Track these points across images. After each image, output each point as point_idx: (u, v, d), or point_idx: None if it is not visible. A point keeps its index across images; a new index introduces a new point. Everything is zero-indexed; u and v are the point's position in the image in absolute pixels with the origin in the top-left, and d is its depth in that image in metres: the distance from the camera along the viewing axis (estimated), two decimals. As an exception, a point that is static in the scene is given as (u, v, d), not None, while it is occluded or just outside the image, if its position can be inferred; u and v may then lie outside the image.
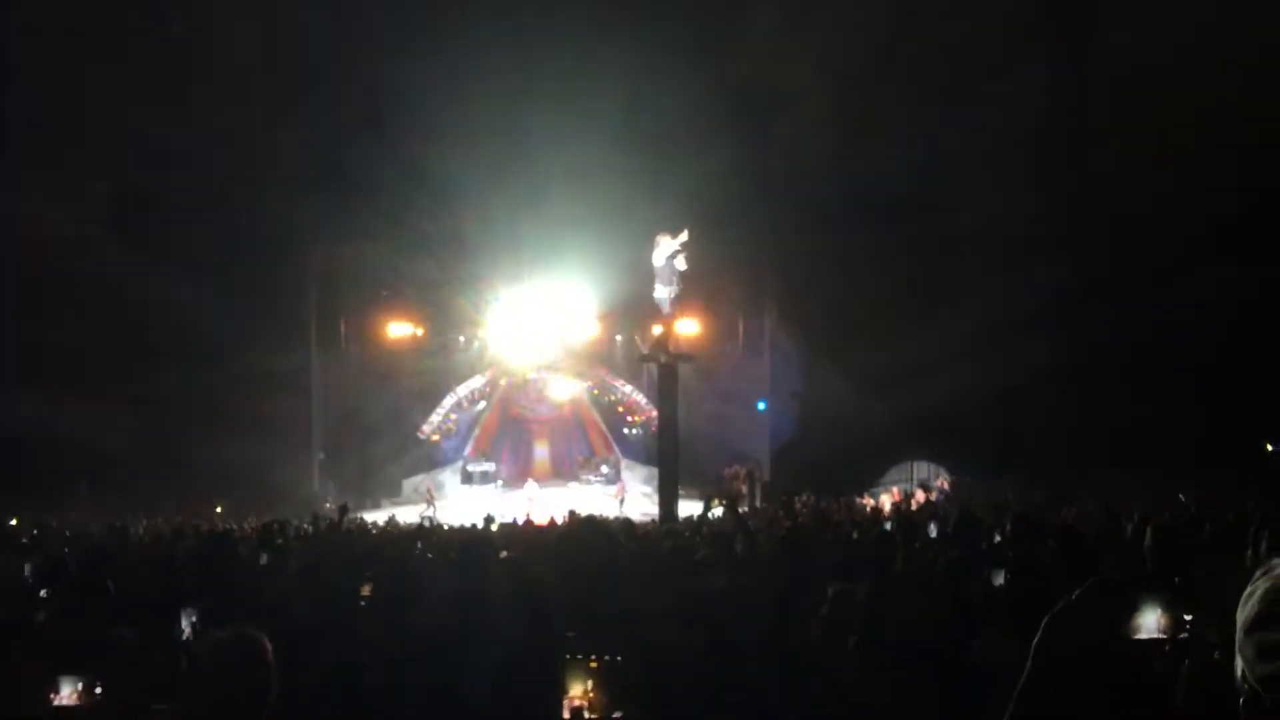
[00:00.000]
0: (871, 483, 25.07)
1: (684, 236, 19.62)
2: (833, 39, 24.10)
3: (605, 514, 20.52)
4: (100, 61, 21.53)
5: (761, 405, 27.89)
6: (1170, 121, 22.00)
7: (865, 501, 22.42)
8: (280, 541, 8.50)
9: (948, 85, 23.18)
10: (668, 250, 19.42)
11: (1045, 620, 1.79)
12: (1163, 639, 2.54)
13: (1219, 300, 21.73)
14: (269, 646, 3.44)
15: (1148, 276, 23.00)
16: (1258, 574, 1.53)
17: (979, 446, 23.83)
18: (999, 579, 5.12)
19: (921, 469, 25.78)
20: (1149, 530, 6.02)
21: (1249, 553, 4.55)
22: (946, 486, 23.77)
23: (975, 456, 23.93)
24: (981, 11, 23.81)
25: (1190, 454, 19.00)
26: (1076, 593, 1.81)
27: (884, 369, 23.42)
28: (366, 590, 5.69)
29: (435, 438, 30.17)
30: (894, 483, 25.19)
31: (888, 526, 8.82)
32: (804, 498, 22.41)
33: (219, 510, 21.95)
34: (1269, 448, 19.99)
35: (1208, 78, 21.06)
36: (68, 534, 13.89)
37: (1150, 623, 2.47)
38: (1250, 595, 1.52)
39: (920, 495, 22.99)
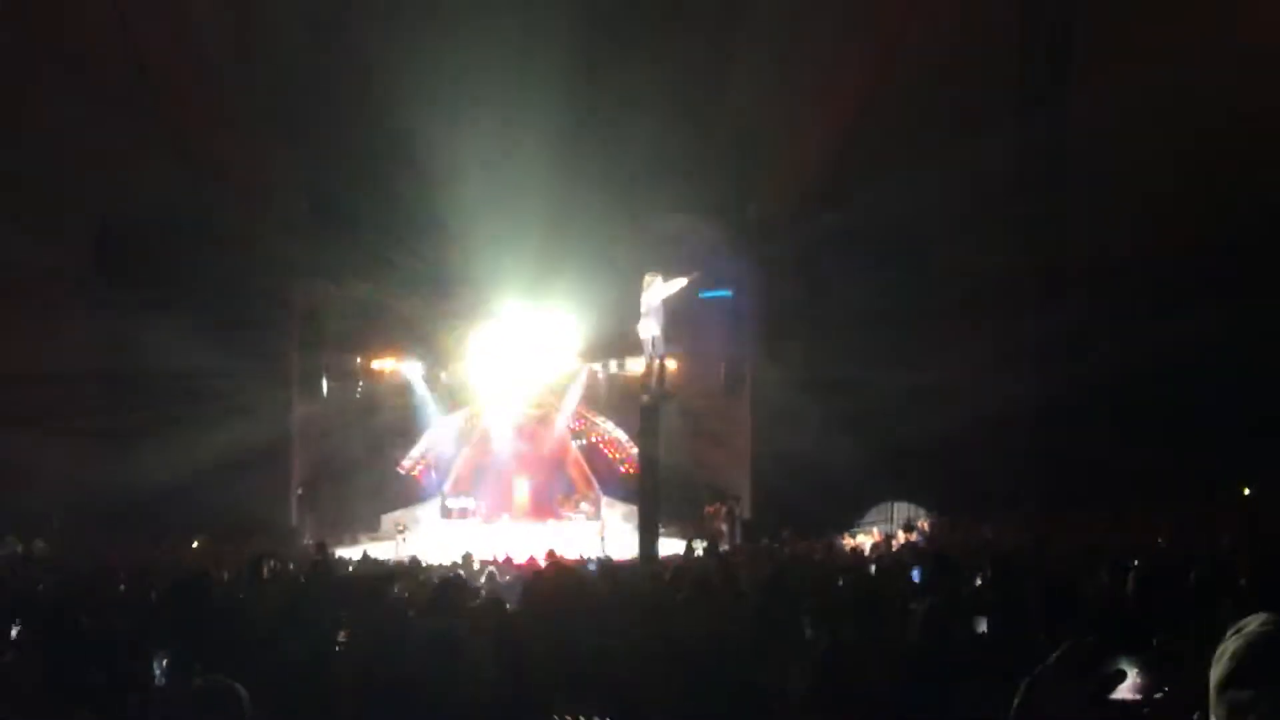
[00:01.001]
0: (852, 523, 25.05)
1: (683, 282, 19.72)
2: (813, 75, 24.39)
3: (585, 553, 20.44)
4: (77, 94, 21.54)
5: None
6: (1147, 168, 22.32)
7: (846, 542, 22.39)
8: (267, 577, 8.41)
9: (929, 126, 23.41)
10: (663, 292, 19.51)
11: (1024, 684, 1.78)
12: (1139, 700, 2.54)
13: (1200, 342, 21.93)
14: (245, 696, 3.40)
15: (1129, 318, 23.23)
16: (1229, 633, 1.55)
17: (958, 487, 23.88)
18: (981, 626, 5.11)
19: (902, 509, 25.78)
20: (1130, 578, 6.03)
21: (1227, 605, 4.55)
22: (926, 528, 23.76)
23: (955, 497, 23.96)
24: (964, 51, 24.13)
25: (1169, 495, 19.10)
26: (1054, 655, 1.81)
27: (866, 408, 23.49)
28: (343, 636, 5.62)
29: (415, 473, 30.04)
30: (874, 523, 25.18)
31: (872, 569, 8.80)
32: (784, 536, 22.41)
33: (195, 545, 21.72)
34: (1246, 491, 20.10)
35: (1183, 128, 21.41)
36: (39, 569, 13.71)
37: (1128, 684, 2.47)
38: (1222, 654, 1.53)
39: (902, 536, 22.98)
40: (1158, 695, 2.58)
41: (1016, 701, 1.78)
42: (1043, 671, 1.79)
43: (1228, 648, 1.52)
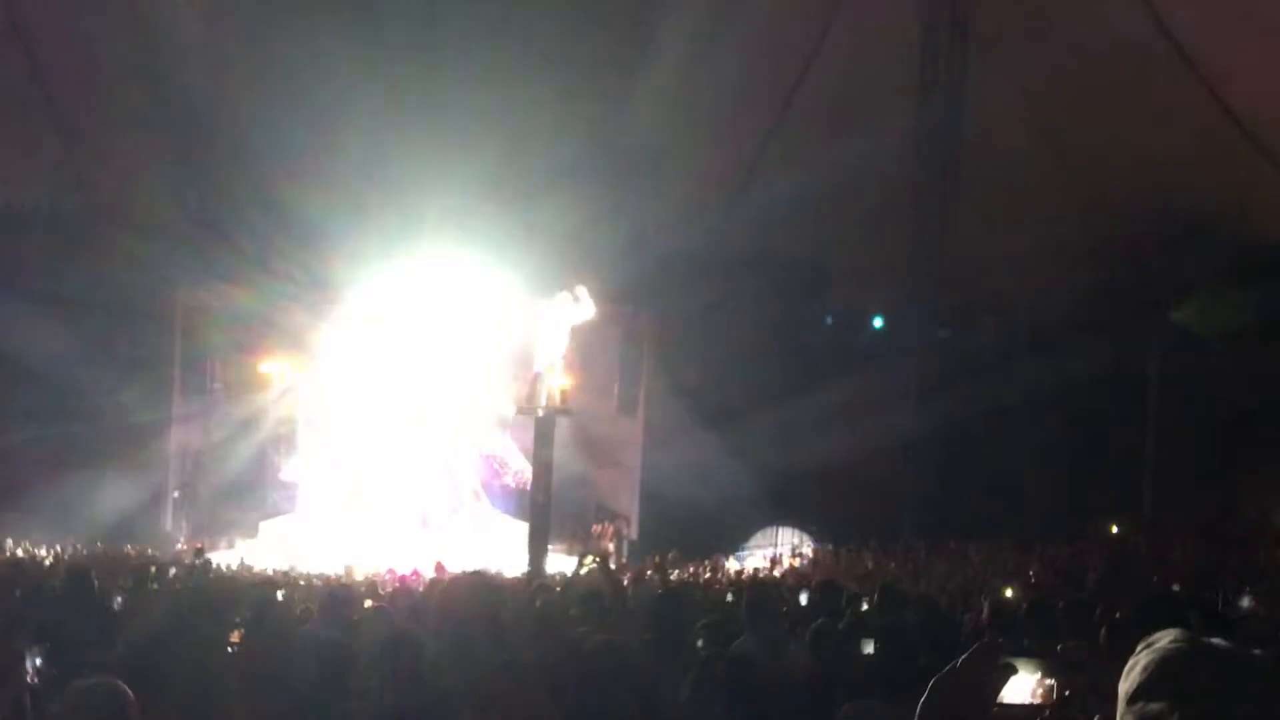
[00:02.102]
0: (736, 546, 25.32)
1: (591, 309, 19.68)
2: (717, 92, 24.76)
3: (472, 565, 20.21)
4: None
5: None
6: (1038, 198, 23.27)
7: (731, 565, 22.63)
8: (155, 586, 8.15)
9: (825, 141, 23.86)
10: (566, 310, 19.51)
11: (932, 682, 1.86)
12: (1041, 705, 2.66)
13: (1070, 380, 22.86)
14: (133, 698, 3.30)
15: (1015, 353, 24.13)
16: (1140, 647, 1.63)
17: (840, 516, 24.37)
18: (868, 648, 5.24)
19: (785, 535, 26.18)
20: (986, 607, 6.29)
21: (1102, 631, 4.76)
22: (810, 554, 24.18)
23: (836, 526, 24.44)
24: (861, 69, 24.80)
25: (1038, 530, 19.79)
26: (963, 656, 1.89)
27: (755, 434, 23.83)
28: (236, 637, 5.48)
29: (296, 480, 29.37)
30: (758, 547, 25.50)
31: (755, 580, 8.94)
32: (671, 557, 22.55)
33: (58, 549, 20.86)
34: (1114, 529, 20.98)
35: (1080, 153, 22.44)
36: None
37: (1027, 688, 2.60)
38: (1133, 667, 1.61)
39: (786, 561, 23.35)
40: (1058, 698, 2.70)
41: (922, 700, 1.85)
42: (951, 669, 1.87)
43: (1139, 660, 1.59)
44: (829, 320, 27.18)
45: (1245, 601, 8.17)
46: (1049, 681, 2.62)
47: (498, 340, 26.19)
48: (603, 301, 24.87)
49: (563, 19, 24.63)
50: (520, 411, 21.36)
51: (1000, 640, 1.92)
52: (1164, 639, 1.60)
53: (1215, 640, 1.60)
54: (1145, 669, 1.57)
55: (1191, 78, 22.27)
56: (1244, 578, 10.78)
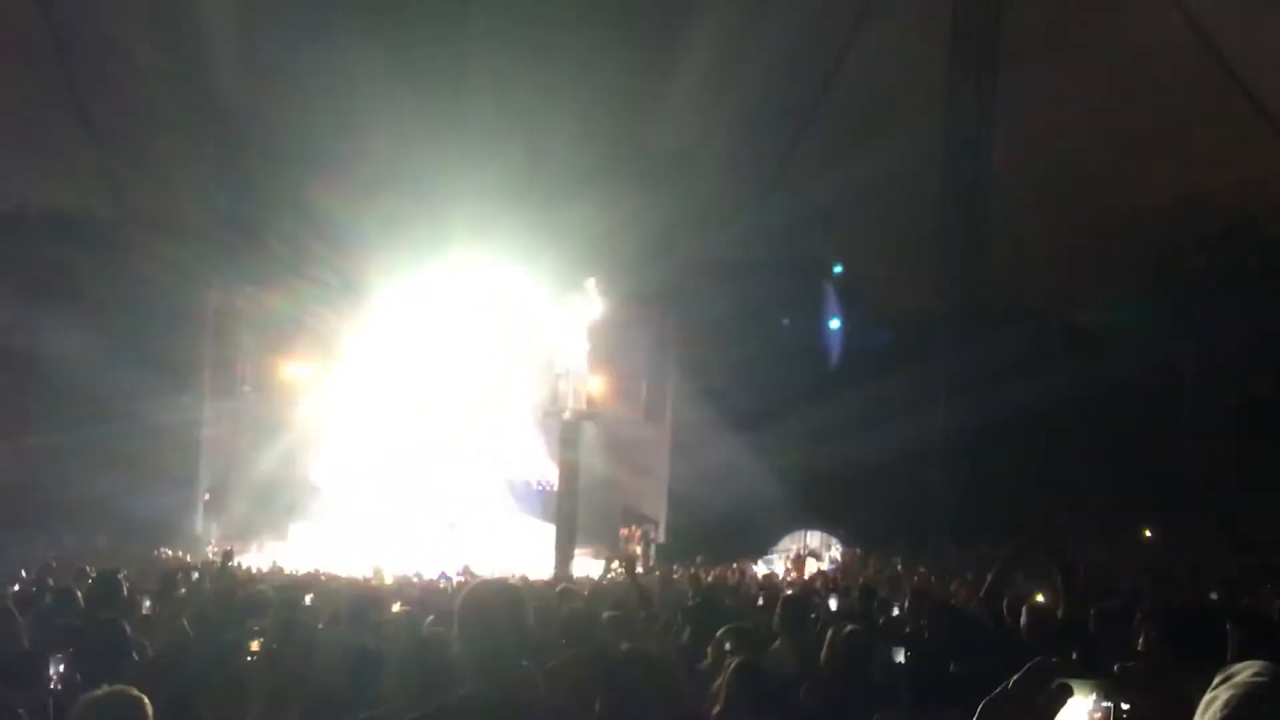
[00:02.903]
0: (764, 550, 25.20)
1: (600, 306, 19.59)
2: (746, 94, 24.69)
3: (498, 569, 20.21)
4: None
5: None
6: (1072, 199, 23.06)
7: (758, 569, 22.50)
8: (183, 591, 8.14)
9: (855, 143, 23.75)
10: (577, 308, 19.42)
11: (982, 705, 1.78)
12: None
13: (1106, 384, 22.61)
14: (149, 707, 3.25)
15: (1047, 356, 23.91)
16: (1218, 679, 1.56)
17: (868, 518, 24.23)
18: (899, 656, 5.16)
19: (813, 538, 26.03)
20: (1025, 612, 6.18)
21: (1139, 641, 4.66)
22: (838, 556, 24.02)
23: (864, 528, 24.29)
24: (892, 72, 24.68)
25: (1071, 534, 19.55)
26: (1015, 676, 1.81)
27: (783, 437, 23.72)
28: (256, 645, 5.45)
29: (325, 483, 29.48)
30: (786, 551, 25.37)
31: (790, 594, 8.83)
32: (699, 561, 22.46)
33: (98, 547, 21.05)
34: (1147, 533, 20.70)
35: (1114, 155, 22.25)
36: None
37: (1084, 711, 2.44)
38: (1213, 700, 1.54)
39: (811, 564, 23.22)
40: None
41: (975, 721, 1.78)
42: (1000, 692, 1.79)
43: (1219, 695, 1.53)
44: (856, 323, 26.99)
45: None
46: (1106, 704, 2.46)
47: (524, 343, 26.20)
48: (629, 304, 24.83)
49: (589, 25, 24.61)
50: (545, 414, 21.30)
51: (1054, 659, 1.82)
52: (1244, 672, 1.53)
53: None
54: (1227, 704, 1.50)
55: (1224, 74, 22.00)
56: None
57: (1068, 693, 1.95)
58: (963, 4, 24.32)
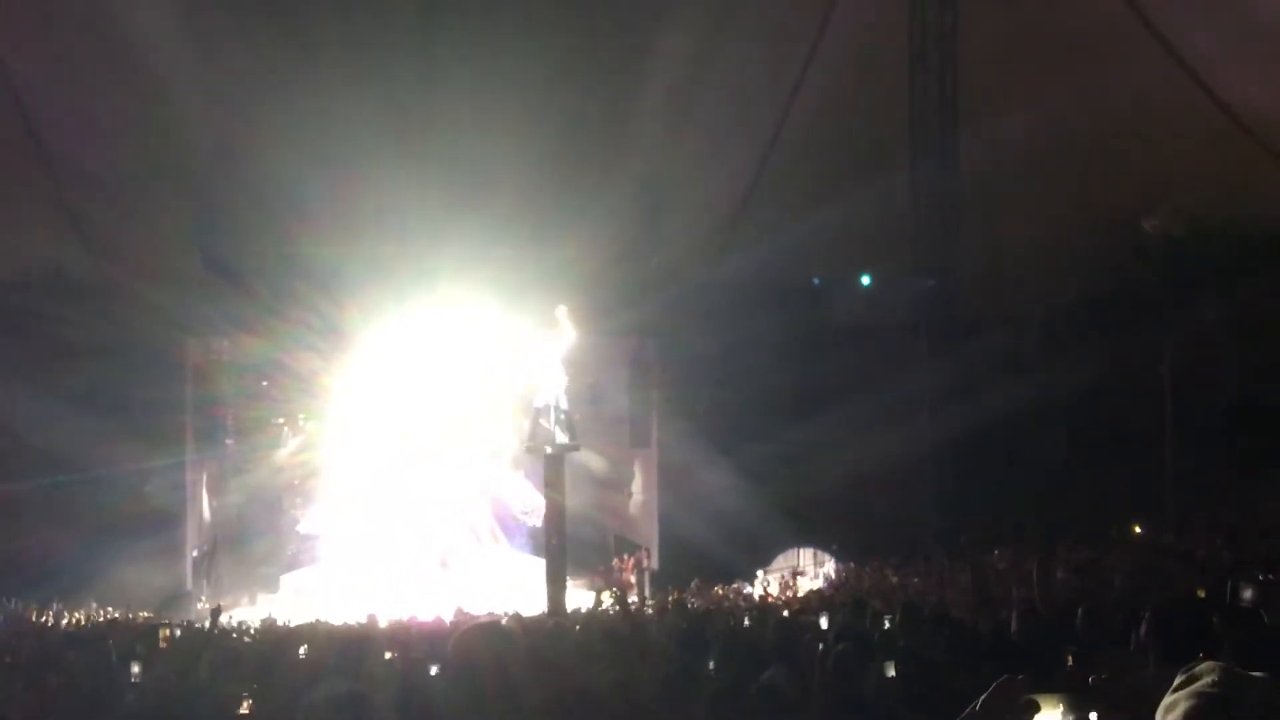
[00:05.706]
0: (758, 570, 25.20)
1: (564, 321, 19.42)
2: (710, 116, 24.81)
3: (493, 608, 20.09)
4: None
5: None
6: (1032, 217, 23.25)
7: (750, 590, 22.51)
8: (164, 646, 8.06)
9: (833, 175, 23.88)
10: (565, 340, 19.30)
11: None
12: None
13: (1086, 386, 22.77)
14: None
15: (1028, 360, 24.05)
16: (1179, 679, 1.55)
17: (861, 532, 24.26)
18: (890, 671, 5.15)
19: (806, 556, 26.05)
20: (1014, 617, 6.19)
21: (1132, 636, 4.67)
22: (832, 574, 24.02)
23: (858, 542, 24.30)
24: (866, 108, 24.88)
25: (1061, 535, 19.60)
26: (985, 695, 1.81)
27: (771, 456, 23.77)
28: (245, 708, 5.39)
29: (315, 532, 29.27)
30: (779, 570, 25.37)
31: (784, 614, 8.83)
32: (693, 586, 22.47)
33: (75, 615, 20.73)
34: (1137, 529, 20.77)
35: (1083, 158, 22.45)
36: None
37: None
38: (1174, 704, 1.53)
39: (803, 582, 23.25)
40: None
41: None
42: (969, 714, 1.79)
43: (1179, 703, 1.52)
44: (837, 335, 27.06)
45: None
46: (1080, 714, 2.47)
47: (507, 380, 26.12)
48: (608, 336, 24.83)
49: (552, 61, 24.63)
50: (529, 450, 21.20)
51: (1020, 677, 1.82)
52: (1206, 676, 1.52)
53: (1256, 675, 1.52)
54: (1188, 714, 1.49)
55: (1185, 75, 22.27)
56: (1271, 572, 10.64)
57: (1035, 708, 1.96)
58: (920, 11, 24.53)
